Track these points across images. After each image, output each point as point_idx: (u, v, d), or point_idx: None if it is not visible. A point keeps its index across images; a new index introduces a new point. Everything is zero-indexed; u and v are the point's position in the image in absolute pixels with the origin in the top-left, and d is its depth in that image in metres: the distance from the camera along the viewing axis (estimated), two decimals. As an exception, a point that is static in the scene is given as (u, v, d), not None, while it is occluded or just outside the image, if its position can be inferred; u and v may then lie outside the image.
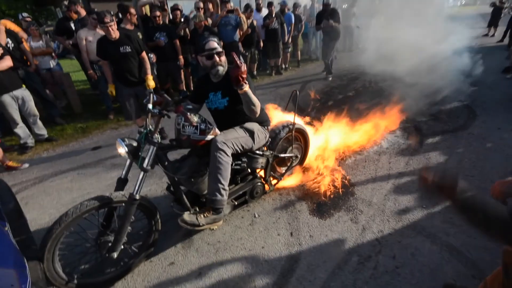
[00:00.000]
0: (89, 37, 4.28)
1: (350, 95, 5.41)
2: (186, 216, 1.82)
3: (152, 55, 4.59)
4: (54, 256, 1.55)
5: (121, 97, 3.53)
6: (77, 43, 4.46)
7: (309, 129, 2.99)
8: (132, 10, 4.40)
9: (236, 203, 2.26)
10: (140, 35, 4.50)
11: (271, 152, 2.44)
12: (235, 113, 2.06)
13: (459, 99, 4.75)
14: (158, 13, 4.70)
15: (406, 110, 4.23)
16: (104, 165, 3.39)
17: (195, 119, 1.84)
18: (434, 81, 5.10)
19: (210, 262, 2.01)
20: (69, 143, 4.09)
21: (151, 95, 1.82)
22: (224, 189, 1.91)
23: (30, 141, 3.90)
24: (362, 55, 7.35)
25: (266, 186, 2.53)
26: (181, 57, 5.03)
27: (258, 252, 2.07)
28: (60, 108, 5.14)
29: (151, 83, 3.52)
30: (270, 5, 6.37)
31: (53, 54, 4.98)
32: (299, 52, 8.11)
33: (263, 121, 2.23)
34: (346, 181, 2.83)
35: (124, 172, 1.80)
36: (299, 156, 2.86)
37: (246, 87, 1.76)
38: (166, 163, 1.88)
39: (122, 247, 1.74)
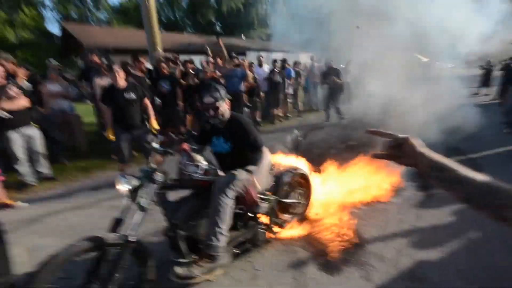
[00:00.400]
0: (103, 84, 4.58)
1: (354, 143, 5.44)
2: (179, 270, 1.70)
3: (157, 100, 4.91)
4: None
5: (118, 140, 3.57)
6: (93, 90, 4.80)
7: (313, 176, 2.95)
8: (142, 59, 4.86)
9: (236, 251, 2.09)
10: (147, 81, 4.94)
11: (275, 197, 2.36)
12: (238, 157, 2.10)
13: (462, 152, 4.74)
14: (163, 64, 5.18)
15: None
16: (101, 207, 3.28)
17: (198, 157, 1.84)
18: (435, 135, 5.17)
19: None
20: (69, 183, 4.03)
21: (157, 134, 1.86)
22: (222, 234, 1.79)
23: (31, 179, 3.86)
24: (359, 109, 7.72)
25: (269, 234, 2.37)
26: (180, 102, 5.32)
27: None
28: (64, 147, 5.22)
29: (155, 125, 3.68)
30: (274, 61, 7.47)
31: (69, 97, 5.29)
32: (300, 103, 8.82)
33: (267, 164, 2.24)
34: (356, 233, 2.66)
35: (121, 212, 1.72)
36: (303, 202, 2.75)
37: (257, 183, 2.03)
38: (165, 203, 1.81)
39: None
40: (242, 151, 2.05)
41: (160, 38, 6.85)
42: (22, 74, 4.23)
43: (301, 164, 2.87)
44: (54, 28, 25.72)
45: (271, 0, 31.25)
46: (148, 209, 1.64)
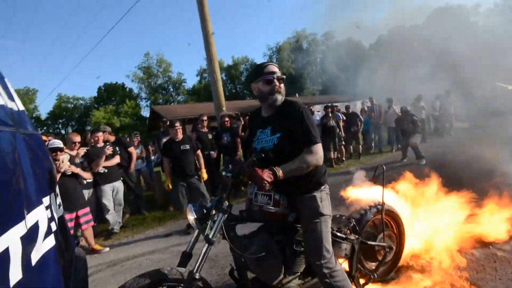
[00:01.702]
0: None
1: (452, 176, 4.51)
2: None
3: (213, 152, 5.30)
4: None
5: (175, 188, 3.92)
6: None
7: (406, 213, 2.43)
8: (204, 118, 5.49)
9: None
10: (210, 135, 5.51)
11: (356, 236, 1.96)
12: (283, 156, 1.56)
13: None
14: (226, 118, 5.75)
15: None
16: (171, 252, 3.32)
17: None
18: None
19: None
20: (146, 230, 4.30)
21: (227, 164, 1.84)
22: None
23: (117, 228, 4.27)
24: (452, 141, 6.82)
25: (353, 286, 1.90)
26: (239, 152, 5.54)
27: None
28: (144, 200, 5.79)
29: (205, 175, 4.11)
30: (326, 107, 7.57)
31: (144, 159, 6.20)
32: (360, 146, 8.36)
33: (317, 182, 1.68)
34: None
35: (189, 246, 1.63)
36: (393, 247, 2.21)
37: (279, 171, 1.48)
38: (234, 237, 1.66)
39: None
40: (291, 148, 1.57)
41: (225, 102, 7.74)
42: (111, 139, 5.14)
43: (390, 199, 2.39)
44: (146, 112, 33.05)
45: (320, 60, 33.71)
46: (215, 242, 1.51)
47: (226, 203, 1.59)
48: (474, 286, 2.00)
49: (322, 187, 1.71)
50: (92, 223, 3.57)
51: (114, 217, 4.23)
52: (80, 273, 1.70)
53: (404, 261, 2.30)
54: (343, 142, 7.73)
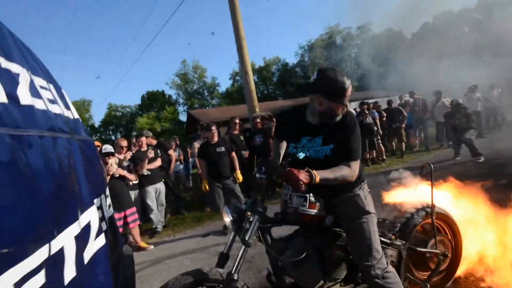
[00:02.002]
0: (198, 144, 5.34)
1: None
2: None
3: (244, 152, 5.33)
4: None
5: (211, 190, 4.02)
6: None
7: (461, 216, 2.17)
8: (236, 120, 5.55)
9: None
10: (241, 137, 5.56)
11: (403, 242, 1.80)
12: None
13: None
14: (258, 119, 5.76)
15: None
16: (209, 252, 3.41)
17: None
18: None
19: None
20: (186, 230, 4.50)
21: (260, 165, 1.81)
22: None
23: (160, 227, 4.54)
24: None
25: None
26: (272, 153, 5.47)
27: None
28: (183, 201, 6.07)
29: (240, 177, 4.12)
30: (361, 104, 7.24)
31: (182, 161, 6.52)
32: (403, 144, 7.70)
33: (360, 179, 1.65)
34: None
35: (227, 247, 1.65)
36: (448, 254, 1.98)
37: (316, 176, 1.41)
38: (270, 240, 1.63)
39: None
40: (340, 158, 1.52)
41: (257, 104, 7.78)
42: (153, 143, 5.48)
43: (441, 201, 2.16)
44: (183, 117, 35.10)
45: (355, 55, 32.17)
46: (252, 244, 1.50)
47: (261, 205, 1.58)
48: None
49: (363, 184, 1.67)
50: (138, 222, 3.83)
51: (157, 216, 4.50)
52: (128, 269, 1.83)
53: (462, 271, 2.05)
54: (380, 140, 7.27)
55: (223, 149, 4.08)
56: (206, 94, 40.20)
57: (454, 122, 6.14)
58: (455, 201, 2.35)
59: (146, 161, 4.16)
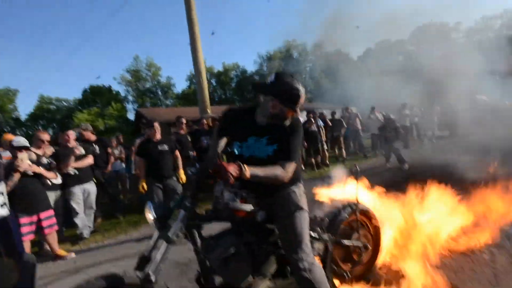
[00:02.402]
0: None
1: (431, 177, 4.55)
2: None
3: (192, 152, 5.12)
4: None
5: (149, 190, 3.74)
6: None
7: (384, 213, 2.39)
8: (183, 120, 5.35)
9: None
10: (189, 138, 5.32)
11: (330, 236, 1.89)
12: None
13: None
14: (204, 121, 5.69)
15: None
16: (141, 257, 3.11)
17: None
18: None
19: None
20: (118, 235, 4.07)
21: (195, 163, 1.72)
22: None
23: (86, 232, 4.01)
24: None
25: None
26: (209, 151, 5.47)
27: None
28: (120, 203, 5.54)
29: (183, 176, 3.95)
30: (308, 112, 7.81)
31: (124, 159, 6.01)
32: (343, 151, 8.60)
33: (297, 178, 1.71)
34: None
35: (149, 249, 1.49)
36: (369, 247, 2.15)
37: (247, 171, 1.40)
38: (198, 238, 1.54)
39: None
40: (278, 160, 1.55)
41: (210, 106, 7.63)
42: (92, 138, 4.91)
43: (366, 199, 2.36)
44: (133, 116, 32.38)
45: (309, 69, 34.47)
46: (175, 241, 1.38)
47: (190, 201, 1.48)
48: (451, 286, 1.96)
49: (300, 183, 1.74)
50: (56, 227, 3.31)
51: (83, 221, 3.97)
52: (26, 279, 1.54)
53: (382, 262, 2.24)
54: (326, 147, 7.87)
55: (166, 147, 3.86)
56: (160, 93, 38.09)
57: (386, 134, 6.94)
58: (377, 199, 2.59)
59: (72, 158, 3.66)
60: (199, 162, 1.61)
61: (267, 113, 1.58)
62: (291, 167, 1.55)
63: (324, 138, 7.78)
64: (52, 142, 4.15)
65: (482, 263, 2.23)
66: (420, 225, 2.61)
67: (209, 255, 1.52)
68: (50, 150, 3.71)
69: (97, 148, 4.92)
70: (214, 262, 1.53)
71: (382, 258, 2.30)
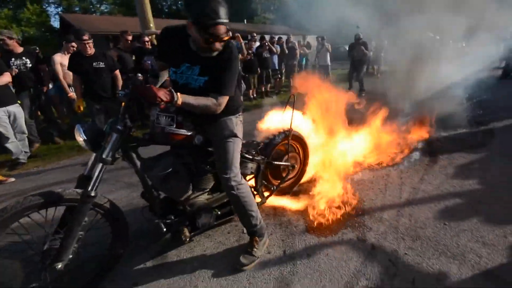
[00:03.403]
0: (63, 62, 4.35)
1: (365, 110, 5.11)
2: (244, 260, 1.74)
3: (139, 75, 4.68)
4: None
5: (91, 113, 3.56)
6: None
7: (312, 138, 2.74)
8: (128, 36, 4.73)
9: (219, 213, 1.94)
10: (133, 57, 4.82)
11: (263, 157, 2.17)
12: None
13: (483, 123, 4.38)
14: (146, 38, 5.06)
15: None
16: (89, 179, 3.18)
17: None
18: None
19: (183, 284, 1.64)
20: (61, 160, 3.96)
21: (126, 84, 1.65)
22: (257, 213, 1.81)
23: (22, 157, 3.78)
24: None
25: (258, 198, 2.21)
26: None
27: (242, 273, 1.69)
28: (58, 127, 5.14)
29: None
30: (262, 38, 7.63)
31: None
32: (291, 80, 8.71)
33: (236, 109, 1.80)
34: (353, 197, 2.46)
35: (87, 168, 1.57)
36: (295, 166, 2.56)
37: (179, 99, 1.40)
38: (136, 160, 1.64)
39: (70, 257, 1.42)
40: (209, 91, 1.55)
41: (153, 21, 6.63)
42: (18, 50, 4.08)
43: (298, 125, 2.63)
44: (57, 23, 25.88)
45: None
46: (110, 162, 1.46)
47: (122, 124, 1.50)
48: (352, 194, 2.51)
49: (238, 115, 1.82)
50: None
51: (16, 146, 3.69)
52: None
53: (303, 177, 2.70)
54: (279, 75, 7.91)
55: (102, 64, 3.46)
56: (92, -5, 30.58)
57: (355, 52, 7.27)
58: (310, 125, 2.92)
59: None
60: (128, 81, 1.54)
61: (192, 38, 1.49)
62: (223, 100, 1.56)
63: (276, 66, 7.74)
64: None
65: (379, 177, 2.86)
66: (340, 146, 3.11)
67: (149, 174, 1.67)
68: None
69: (28, 61, 4.16)
70: (154, 180, 1.69)
71: (308, 176, 2.76)
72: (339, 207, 2.29)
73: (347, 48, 8.34)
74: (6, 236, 1.34)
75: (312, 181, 2.75)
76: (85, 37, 3.33)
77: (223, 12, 1.35)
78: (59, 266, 1.37)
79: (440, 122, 4.12)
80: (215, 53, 1.51)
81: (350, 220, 2.15)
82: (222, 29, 1.38)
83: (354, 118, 3.77)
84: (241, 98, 1.93)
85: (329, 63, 8.72)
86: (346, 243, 1.91)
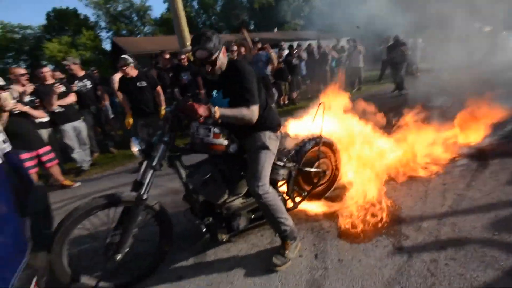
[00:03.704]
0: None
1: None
2: (276, 261, 1.82)
3: (176, 89, 5.17)
4: (62, 249, 1.56)
5: (134, 127, 3.94)
6: None
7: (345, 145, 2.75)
8: (166, 55, 5.29)
9: (253, 216, 2.07)
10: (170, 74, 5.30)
11: (294, 164, 2.26)
12: None
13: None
14: (183, 56, 5.45)
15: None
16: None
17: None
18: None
19: (220, 280, 1.79)
20: (115, 168, 4.49)
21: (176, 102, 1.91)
22: (287, 219, 1.88)
23: (85, 165, 4.39)
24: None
25: (290, 203, 2.29)
26: (201, 91, 5.32)
27: (275, 273, 1.79)
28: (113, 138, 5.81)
29: (164, 113, 4.00)
30: (290, 46, 7.88)
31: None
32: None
33: (273, 126, 1.95)
34: (391, 204, 2.39)
35: (140, 175, 1.82)
36: (327, 172, 2.58)
37: (216, 112, 1.58)
38: (180, 167, 1.86)
39: (127, 250, 1.67)
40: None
41: (190, 39, 7.16)
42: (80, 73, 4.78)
43: (329, 132, 2.67)
44: (108, 45, 29.19)
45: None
46: (159, 169, 1.70)
47: (168, 136, 1.74)
48: (390, 202, 2.44)
49: (272, 132, 1.94)
50: (56, 160, 3.62)
51: (80, 155, 4.30)
52: (40, 203, 1.87)
53: (336, 183, 2.70)
54: (308, 81, 7.99)
55: (144, 84, 3.85)
56: (136, 18, 34.01)
57: (395, 54, 7.18)
58: (343, 129, 2.92)
59: (54, 96, 3.68)
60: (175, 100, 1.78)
61: None
62: (254, 107, 1.69)
63: (304, 72, 7.90)
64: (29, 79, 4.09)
65: (419, 183, 2.73)
66: (377, 152, 3.03)
67: (190, 180, 1.88)
68: (30, 87, 3.71)
69: (88, 83, 4.83)
70: (195, 185, 1.89)
71: (342, 181, 2.76)
72: (373, 214, 2.26)
73: (384, 48, 8.13)
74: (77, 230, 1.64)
75: (346, 187, 2.73)
76: (121, 63, 3.70)
77: (202, 40, 1.62)
78: (118, 257, 1.62)
79: (493, 124, 3.75)
80: (217, 74, 1.73)
81: (386, 228, 2.11)
82: (201, 53, 1.63)
83: (393, 119, 3.66)
84: (277, 115, 2.04)
85: (361, 65, 8.55)
86: (381, 250, 1.88)
